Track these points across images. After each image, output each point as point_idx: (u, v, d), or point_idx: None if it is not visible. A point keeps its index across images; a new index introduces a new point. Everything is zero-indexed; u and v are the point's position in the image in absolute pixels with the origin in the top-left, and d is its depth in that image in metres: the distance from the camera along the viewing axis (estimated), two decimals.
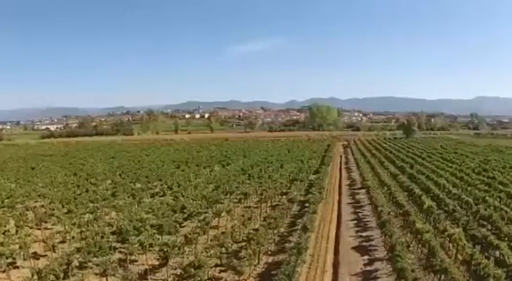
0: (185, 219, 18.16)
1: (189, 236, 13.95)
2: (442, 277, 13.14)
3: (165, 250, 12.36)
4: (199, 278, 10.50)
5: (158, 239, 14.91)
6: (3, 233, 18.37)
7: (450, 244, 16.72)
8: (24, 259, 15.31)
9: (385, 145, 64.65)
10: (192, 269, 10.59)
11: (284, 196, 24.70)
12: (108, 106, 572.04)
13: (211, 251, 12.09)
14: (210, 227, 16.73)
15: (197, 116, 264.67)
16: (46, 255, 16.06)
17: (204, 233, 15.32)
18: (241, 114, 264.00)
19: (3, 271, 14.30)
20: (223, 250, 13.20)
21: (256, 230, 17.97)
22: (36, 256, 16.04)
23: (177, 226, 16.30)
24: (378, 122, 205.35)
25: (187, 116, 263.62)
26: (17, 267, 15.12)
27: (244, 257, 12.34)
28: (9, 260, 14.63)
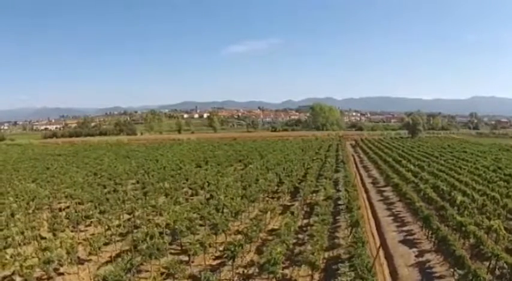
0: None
1: (249, 234, 13.99)
2: (493, 263, 13.71)
3: (232, 249, 12.39)
4: (278, 275, 10.57)
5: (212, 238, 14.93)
6: (42, 238, 17.52)
7: (485, 235, 17.29)
8: (70, 263, 14.31)
9: (394, 144, 64.97)
10: (269, 266, 10.64)
11: (315, 194, 24.89)
12: (104, 106, 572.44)
13: (279, 249, 12.12)
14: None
15: (196, 115, 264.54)
16: (90, 259, 15.47)
17: (260, 231, 15.39)
18: (240, 114, 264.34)
19: (49, 279, 13.59)
20: (284, 246, 13.26)
21: (302, 226, 18.18)
22: (80, 260, 15.17)
23: (228, 224, 16.32)
24: (378, 122, 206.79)
25: (185, 115, 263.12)
26: (62, 273, 14.39)
27: (308, 253, 12.42)
28: (54, 265, 13.68)
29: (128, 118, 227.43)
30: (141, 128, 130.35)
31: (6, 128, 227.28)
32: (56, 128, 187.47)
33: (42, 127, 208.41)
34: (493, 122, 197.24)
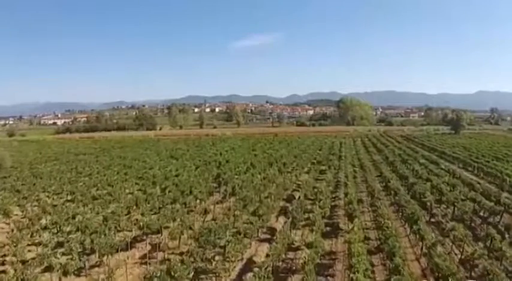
0: None
1: None
2: None
3: None
4: None
5: None
6: None
7: None
8: None
9: (452, 142, 56.98)
10: None
11: None
12: (107, 101, 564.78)
13: None
14: None
15: (207, 110, 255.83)
16: None
17: None
18: (253, 108, 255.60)
19: None
20: None
21: None
22: None
23: None
24: (396, 116, 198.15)
25: (196, 110, 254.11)
26: None
27: None
28: None
29: (137, 112, 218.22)
30: (160, 122, 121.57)
31: (11, 122, 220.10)
32: (65, 122, 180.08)
33: (50, 122, 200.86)
34: (508, 118, 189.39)
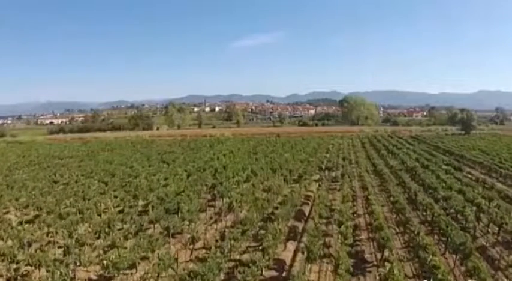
0: None
1: None
2: None
3: None
4: None
5: None
6: None
7: None
8: None
9: (467, 144, 53.24)
10: None
11: None
12: (109, 100, 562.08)
13: None
14: None
15: (207, 109, 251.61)
16: None
17: None
18: (253, 107, 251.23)
19: None
20: None
21: None
22: None
23: None
24: (398, 116, 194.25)
25: (195, 109, 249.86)
26: None
27: None
28: None
29: (136, 111, 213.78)
30: (157, 122, 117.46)
31: (9, 122, 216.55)
32: (62, 122, 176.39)
33: (47, 121, 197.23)
34: None
